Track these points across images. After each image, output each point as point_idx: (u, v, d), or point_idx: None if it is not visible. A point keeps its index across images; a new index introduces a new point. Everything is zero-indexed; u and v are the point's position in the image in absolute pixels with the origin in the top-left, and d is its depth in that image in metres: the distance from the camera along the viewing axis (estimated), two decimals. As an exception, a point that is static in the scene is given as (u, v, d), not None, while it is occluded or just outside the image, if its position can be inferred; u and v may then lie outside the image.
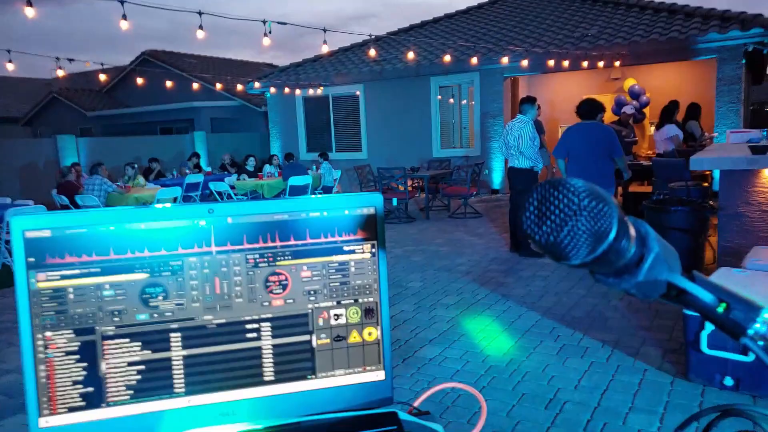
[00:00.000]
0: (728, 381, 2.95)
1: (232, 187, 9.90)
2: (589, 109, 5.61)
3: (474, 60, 10.11)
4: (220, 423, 0.68)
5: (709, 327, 2.99)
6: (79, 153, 12.29)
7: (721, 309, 0.43)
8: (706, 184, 6.60)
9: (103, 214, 0.65)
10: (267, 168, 11.11)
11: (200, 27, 5.46)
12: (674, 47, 9.68)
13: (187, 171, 11.72)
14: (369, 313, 0.72)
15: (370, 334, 0.72)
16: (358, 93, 13.21)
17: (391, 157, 12.45)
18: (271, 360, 0.69)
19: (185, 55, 20.83)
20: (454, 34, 12.93)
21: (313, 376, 0.70)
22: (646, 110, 12.38)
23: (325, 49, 6.64)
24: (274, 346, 0.69)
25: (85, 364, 0.65)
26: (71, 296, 0.64)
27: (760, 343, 0.43)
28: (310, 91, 13.35)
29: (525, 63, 10.05)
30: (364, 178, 10.05)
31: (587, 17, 12.00)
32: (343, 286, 0.71)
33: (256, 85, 14.14)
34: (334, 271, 0.70)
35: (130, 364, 0.66)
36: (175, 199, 9.50)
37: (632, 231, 0.41)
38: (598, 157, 5.43)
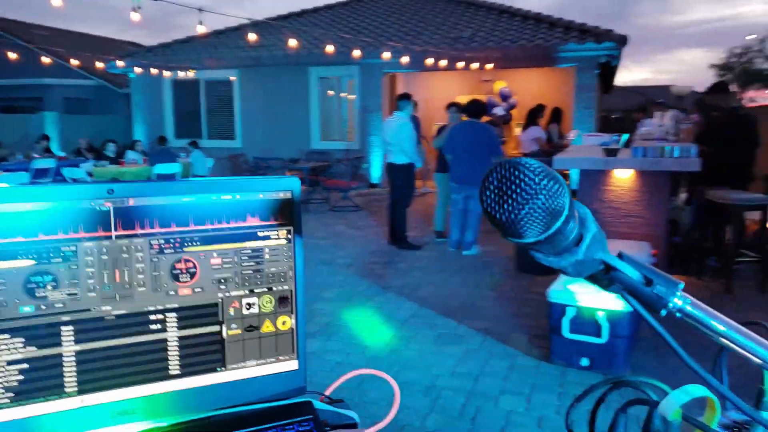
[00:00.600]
0: (584, 362, 3.26)
1: (90, 174, 9.07)
2: (476, 109, 6.04)
3: (356, 53, 10.18)
4: (117, 423, 0.62)
5: (570, 313, 3.29)
6: None
7: (646, 284, 0.47)
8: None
9: (-21, 192, 0.56)
10: (130, 154, 10.31)
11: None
12: (539, 54, 10.50)
13: (36, 155, 10.53)
14: (283, 301, 0.69)
15: (284, 323, 0.70)
16: (232, 78, 12.73)
17: (268, 146, 12.16)
18: (177, 353, 0.65)
19: (34, 26, 18.67)
20: (334, 26, 12.92)
21: (224, 369, 0.67)
22: (514, 112, 13.30)
23: (200, 30, 6.31)
24: (181, 338, 0.65)
25: (-46, 366, 0.56)
26: (-64, 287, 0.55)
27: (678, 315, 0.48)
28: (180, 74, 12.60)
29: (405, 60, 10.32)
30: (238, 168, 9.72)
31: (462, 19, 12.59)
32: (257, 273, 0.68)
33: (119, 63, 13.04)
34: (246, 258, 0.67)
35: (10, 363, 0.58)
36: (22, 186, 8.50)
37: (575, 212, 0.44)
38: (481, 154, 5.83)
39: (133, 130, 13.66)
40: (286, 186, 0.68)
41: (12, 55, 10.82)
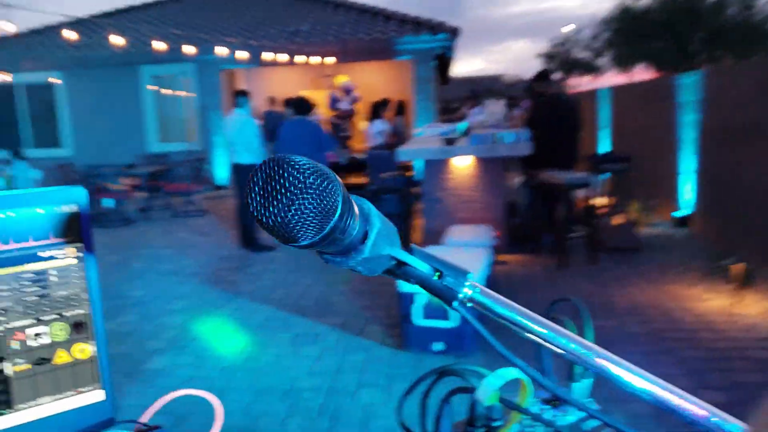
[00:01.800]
0: (438, 347, 3.39)
1: None
2: (302, 105, 6.05)
3: (188, 49, 9.69)
4: None
5: (419, 301, 3.40)
6: None
7: (435, 277, 0.49)
8: (409, 174, 7.54)
9: None
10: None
11: None
12: (378, 47, 10.81)
13: None
14: (79, 327, 0.63)
15: (82, 350, 0.63)
16: (56, 81, 11.48)
17: (102, 152, 11.14)
18: (-54, 401, 0.56)
19: None
20: (166, 22, 12.20)
21: (10, 410, 0.59)
22: (358, 106, 13.58)
23: (9, 28, 5.55)
24: (-51, 382, 0.56)
25: None
26: None
27: (469, 305, 0.50)
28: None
29: (242, 55, 10.04)
30: (68, 178, 8.77)
31: (300, 13, 12.56)
32: (43, 299, 0.61)
33: None
34: (29, 282, 0.60)
35: None
36: None
37: (356, 209, 0.44)
38: (312, 152, 5.84)
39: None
40: (71, 198, 0.62)
41: None
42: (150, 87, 11.40)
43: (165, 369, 3.38)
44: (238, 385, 3.18)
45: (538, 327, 0.51)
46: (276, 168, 0.40)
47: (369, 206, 0.45)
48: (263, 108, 11.18)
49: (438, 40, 10.74)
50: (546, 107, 5.73)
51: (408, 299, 3.44)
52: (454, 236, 4.62)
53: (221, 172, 11.29)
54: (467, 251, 3.97)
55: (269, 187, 0.40)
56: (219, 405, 0.73)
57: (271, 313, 4.35)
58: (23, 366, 0.60)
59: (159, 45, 8.88)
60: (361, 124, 13.84)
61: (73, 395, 0.63)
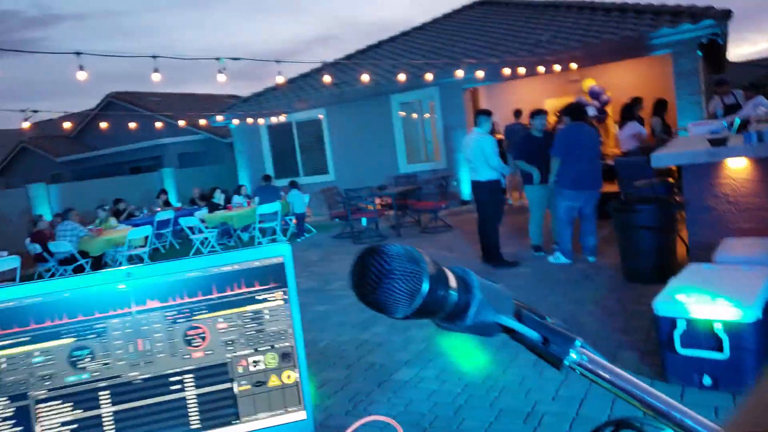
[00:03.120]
0: (707, 380, 2.95)
1: (203, 221, 9.88)
2: (578, 111, 5.91)
3: (430, 76, 10.32)
4: (153, 472, 0.73)
5: (681, 326, 2.98)
6: (50, 200, 12.13)
7: (543, 343, 0.50)
8: (671, 180, 6.73)
9: (30, 287, 0.70)
10: (236, 198, 11.11)
11: (155, 70, 5.51)
12: (629, 45, 9.96)
13: (157, 209, 11.64)
14: (286, 357, 0.78)
15: (288, 377, 0.78)
16: (320, 117, 13.35)
17: (358, 176, 12.55)
18: (197, 409, 0.75)
19: (149, 94, 20.77)
20: (411, 51, 13.17)
21: (238, 421, 0.76)
22: (609, 109, 12.69)
23: (280, 80, 6.73)
24: (198, 395, 0.75)
25: (20, 428, 0.70)
26: (3, 365, 0.69)
27: (578, 369, 0.50)
28: (274, 119, 13.43)
29: (481, 74, 10.27)
30: (331, 200, 10.12)
31: (540, 23, 12.32)
32: (259, 333, 0.77)
33: (219, 118, 14.17)
34: (249, 320, 0.77)
35: (63, 424, 0.71)
36: (146, 239, 9.43)
37: (453, 282, 0.48)
38: (592, 155, 5.67)
39: (238, 175, 14.69)
40: (277, 252, 0.77)
41: (134, 124, 12.13)
42: (399, 113, 12.44)
43: (411, 381, 3.62)
44: (479, 403, 3.24)
45: (649, 397, 0.47)
46: (368, 256, 0.47)
47: (472, 278, 0.49)
48: (508, 122, 11.21)
49: (703, 27, 9.41)
50: None
51: (668, 324, 3.01)
52: (727, 251, 3.95)
53: (466, 189, 11.69)
54: (744, 270, 3.37)
55: (365, 270, 0.47)
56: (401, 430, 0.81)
57: (513, 330, 4.34)
58: (246, 386, 0.76)
59: (401, 76, 9.64)
60: (614, 128, 12.86)
61: (282, 413, 0.77)
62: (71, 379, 0.71)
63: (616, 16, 11.12)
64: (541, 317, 0.52)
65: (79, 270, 8.81)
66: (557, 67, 10.35)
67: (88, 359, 0.72)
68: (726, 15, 9.33)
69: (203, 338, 0.75)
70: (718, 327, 2.88)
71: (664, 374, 3.11)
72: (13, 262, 7.41)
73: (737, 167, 4.75)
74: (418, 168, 12.20)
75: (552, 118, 9.88)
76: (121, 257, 9.20)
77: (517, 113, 10.85)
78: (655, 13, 10.39)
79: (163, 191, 12.62)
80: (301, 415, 0.78)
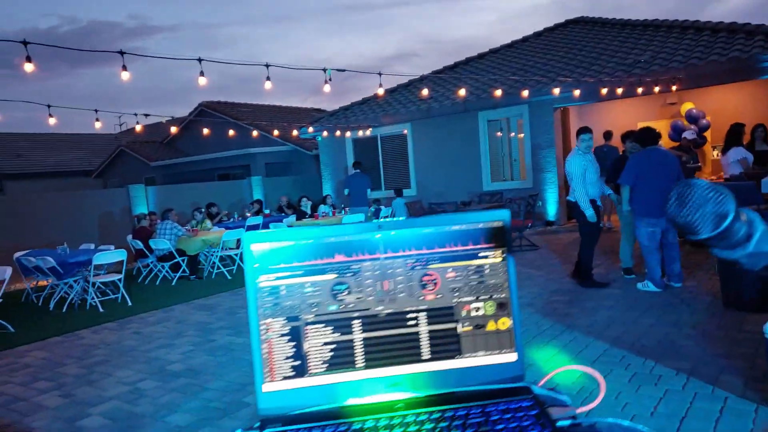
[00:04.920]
0: None
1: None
2: (650, 136, 5.74)
3: (524, 93, 10.30)
4: (389, 392, 0.87)
5: None
6: (147, 200, 13.06)
7: None
8: None
9: (305, 231, 0.87)
10: (322, 208, 11.52)
11: (267, 78, 5.90)
12: (736, 67, 9.56)
13: (248, 214, 12.25)
14: (501, 306, 0.90)
15: (503, 323, 0.90)
16: (405, 132, 13.59)
17: (441, 192, 12.66)
18: (427, 342, 0.88)
19: (239, 105, 21.90)
20: (501, 68, 13.20)
21: (460, 357, 0.89)
22: (707, 134, 12.17)
23: (380, 92, 6.98)
24: (429, 331, 0.89)
25: (293, 344, 0.86)
26: (283, 292, 0.86)
27: None
28: (359, 133, 13.82)
29: (576, 92, 10.16)
30: (415, 214, 10.29)
31: (639, 43, 12.04)
32: (480, 284, 0.90)
33: (310, 129, 14.75)
34: (473, 272, 0.90)
35: (325, 344, 0.86)
36: (238, 241, 9.95)
37: (743, 216, 0.60)
38: (668, 182, 5.49)
39: (323, 186, 15.19)
40: (499, 217, 0.90)
41: (229, 132, 12.86)
42: (486, 130, 12.48)
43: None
44: (588, 388, 3.27)
45: None
46: (686, 187, 0.59)
47: (754, 214, 0.59)
48: (598, 144, 10.99)
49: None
50: None
51: None
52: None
53: (551, 209, 11.51)
54: None
55: (682, 198, 0.59)
56: (602, 381, 0.91)
57: (607, 349, 4.29)
58: (468, 328, 0.89)
59: (497, 92, 9.69)
60: (712, 154, 12.29)
61: (497, 354, 0.90)
62: (332, 308, 0.87)
63: (723, 36, 10.69)
64: None
65: (175, 268, 9.42)
66: (656, 89, 10.08)
67: (346, 293, 0.87)
68: None
69: (435, 284, 0.89)
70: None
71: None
72: (120, 255, 8.04)
73: None
74: (502, 186, 12.16)
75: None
76: (214, 257, 9.76)
77: (607, 135, 10.64)
78: (767, 34, 9.92)
79: (258, 201, 13.26)
80: (512, 356, 0.90)
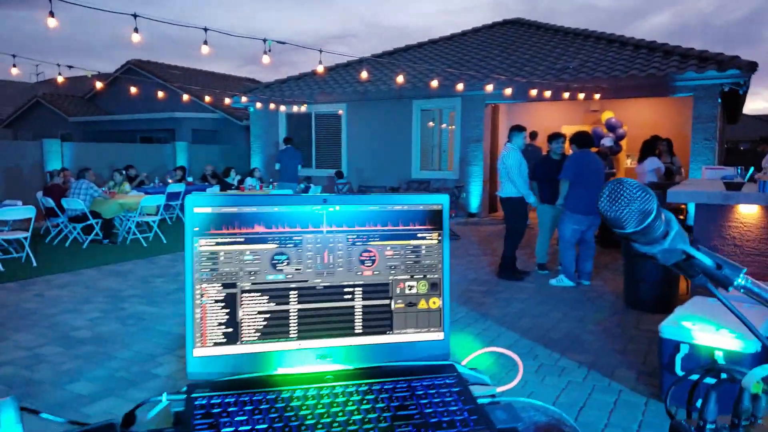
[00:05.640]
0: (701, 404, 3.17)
1: (215, 198, 10.01)
2: (586, 139, 6.15)
3: (459, 86, 10.50)
4: (320, 363, 0.89)
5: (683, 350, 3.17)
6: (63, 157, 12.23)
7: (717, 269, 0.67)
8: (681, 217, 6.95)
9: (249, 199, 0.86)
10: (249, 180, 11.26)
11: (205, 42, 5.66)
12: (652, 83, 10.20)
13: (170, 180, 11.77)
14: (434, 286, 0.94)
15: (434, 303, 0.94)
16: (340, 112, 13.51)
17: (370, 176, 12.72)
18: (361, 317, 0.91)
19: (170, 66, 20.88)
20: (438, 60, 13.37)
21: (391, 332, 0.92)
22: (623, 143, 12.93)
23: (320, 69, 6.90)
24: (363, 306, 0.91)
25: (227, 311, 0.85)
26: (222, 258, 0.85)
27: (741, 291, 0.67)
28: (294, 108, 13.59)
29: (508, 91, 10.48)
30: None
31: (569, 50, 12.55)
32: (416, 264, 0.93)
33: (243, 99, 14.32)
34: (409, 252, 0.93)
35: (260, 312, 0.87)
36: (158, 208, 9.55)
37: (663, 216, 0.65)
38: (598, 182, 5.87)
39: (251, 158, 14.82)
40: (438, 200, 0.94)
41: (159, 94, 12.24)
42: (419, 119, 12.64)
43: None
44: (506, 369, 3.43)
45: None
46: (617, 184, 0.64)
47: (670, 215, 0.66)
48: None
49: (727, 77, 9.66)
50: None
51: (671, 347, 3.21)
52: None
53: (474, 201, 11.87)
54: (746, 308, 3.56)
55: (613, 195, 0.63)
56: (520, 362, 0.97)
57: (518, 340, 4.51)
58: (400, 305, 0.93)
59: (433, 82, 9.82)
60: (626, 162, 13.07)
61: (425, 332, 0.93)
62: (270, 277, 0.87)
63: (643, 53, 11.36)
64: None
65: (88, 230, 8.92)
66: (581, 95, 10.57)
67: (285, 263, 0.88)
68: (752, 67, 9.58)
69: (373, 261, 0.91)
70: (719, 354, 3.08)
71: (661, 394, 3.33)
72: (28, 212, 7.53)
73: (748, 213, 4.97)
74: (430, 175, 12.38)
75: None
76: (131, 223, 9.32)
77: (533, 135, 11.08)
78: (682, 56, 10.64)
79: (181, 168, 12.75)
80: (440, 335, 0.94)
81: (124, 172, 10.31)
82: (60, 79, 7.86)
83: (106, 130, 18.64)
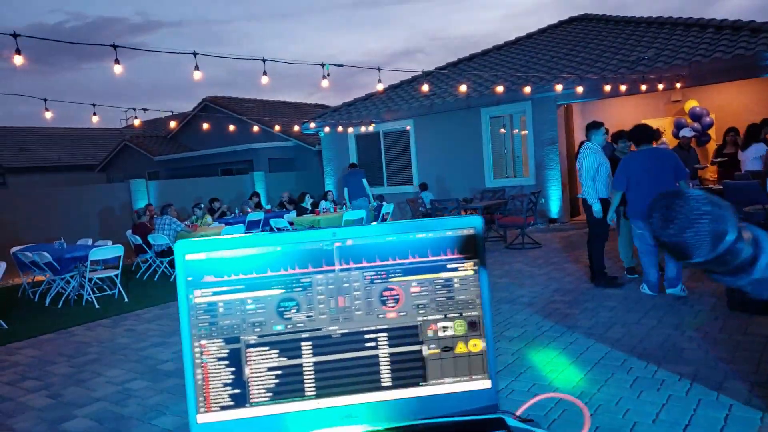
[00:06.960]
0: None
1: (291, 223, 10.21)
2: (642, 134, 5.43)
3: (528, 89, 10.16)
4: (343, 424, 0.76)
5: None
6: (149, 195, 12.99)
7: None
8: None
9: (247, 239, 0.76)
10: (323, 204, 11.41)
11: (264, 73, 5.78)
12: (740, 65, 9.40)
13: (249, 209, 12.16)
14: (473, 326, 0.79)
15: (475, 345, 0.79)
16: (408, 128, 13.47)
17: (443, 188, 12.54)
18: (388, 367, 0.78)
19: (243, 100, 21.81)
20: (504, 65, 13.05)
21: (425, 383, 0.78)
22: (711, 131, 11.99)
23: (379, 87, 6.87)
24: (390, 354, 0.78)
25: (232, 369, 0.75)
26: (221, 309, 0.75)
27: None
28: (362, 129, 13.71)
29: (580, 89, 10.01)
30: (416, 211, 10.16)
31: (643, 40, 11.87)
32: (449, 300, 0.79)
33: (312, 125, 14.64)
34: (440, 286, 0.79)
35: (269, 369, 0.76)
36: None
37: (746, 234, 0.47)
38: (667, 180, 5.22)
39: (325, 182, 15.09)
40: (470, 224, 0.79)
41: (230, 127, 12.78)
42: (488, 127, 12.34)
43: (501, 392, 3.56)
44: (573, 419, 3.13)
45: None
46: (674, 199, 0.46)
47: (759, 232, 0.47)
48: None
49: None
50: None
51: None
52: None
53: (555, 206, 11.38)
54: None
55: (670, 213, 0.46)
56: (587, 413, 0.80)
57: (608, 352, 4.17)
58: (434, 350, 0.78)
59: (498, 88, 9.56)
60: (713, 151, 12.09)
61: (467, 380, 0.78)
62: (278, 328, 0.76)
63: (727, 34, 10.51)
64: None
65: (174, 264, 9.35)
66: (660, 86, 9.91)
67: (294, 311, 0.76)
68: None
69: (397, 300, 0.78)
70: None
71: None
72: (117, 250, 7.96)
73: None
74: (504, 183, 12.03)
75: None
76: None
77: (606, 132, 10.46)
78: (772, 31, 9.74)
79: (256, 194, 13.19)
80: (485, 383, 0.79)
81: (203, 205, 10.76)
82: (137, 123, 8.34)
83: (189, 165, 19.68)
